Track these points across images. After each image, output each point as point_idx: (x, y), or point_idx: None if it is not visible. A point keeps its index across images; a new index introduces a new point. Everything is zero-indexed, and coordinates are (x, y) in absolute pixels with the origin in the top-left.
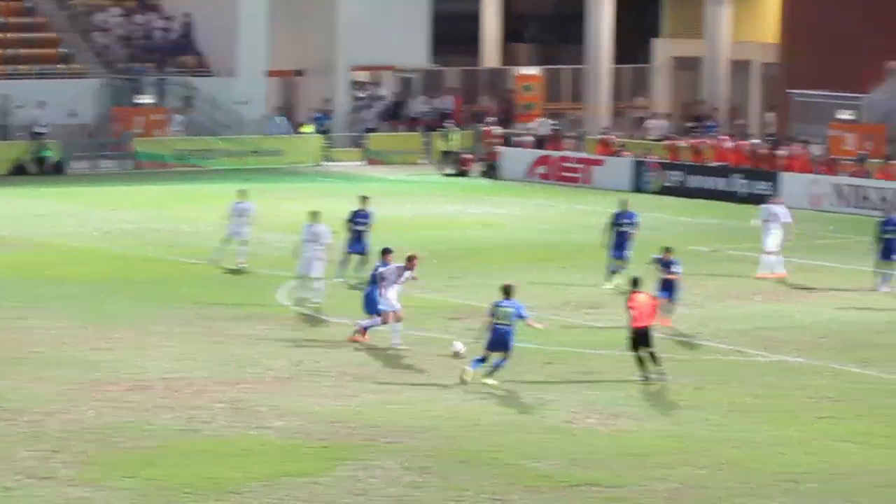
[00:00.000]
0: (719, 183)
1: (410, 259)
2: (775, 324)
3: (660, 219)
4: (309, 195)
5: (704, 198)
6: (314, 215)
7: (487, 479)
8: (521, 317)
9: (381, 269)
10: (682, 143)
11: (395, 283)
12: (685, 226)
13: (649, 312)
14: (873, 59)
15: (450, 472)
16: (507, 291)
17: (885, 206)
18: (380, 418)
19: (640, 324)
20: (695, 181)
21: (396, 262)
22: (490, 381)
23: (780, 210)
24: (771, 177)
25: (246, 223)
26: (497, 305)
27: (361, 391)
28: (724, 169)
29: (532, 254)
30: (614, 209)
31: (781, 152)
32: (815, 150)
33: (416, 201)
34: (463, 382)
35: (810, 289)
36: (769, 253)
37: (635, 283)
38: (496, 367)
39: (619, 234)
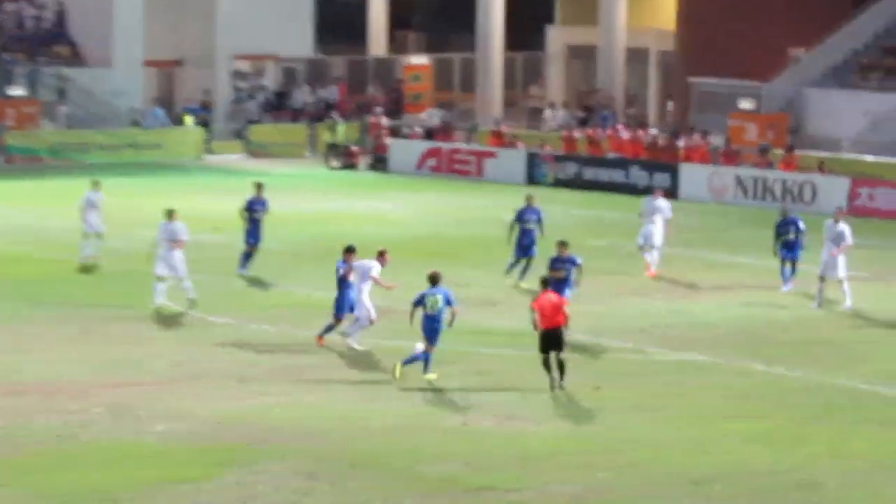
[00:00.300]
0: (617, 175)
1: (382, 254)
2: (677, 321)
3: (555, 213)
4: (189, 190)
5: (601, 190)
6: (170, 213)
7: (379, 484)
8: (449, 303)
9: (343, 269)
10: (578, 133)
11: (364, 280)
12: (582, 220)
13: (555, 312)
14: (774, 46)
15: (340, 478)
16: (433, 279)
17: (783, 204)
18: (266, 421)
19: (547, 325)
20: (591, 173)
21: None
22: (430, 375)
23: (661, 204)
24: (670, 168)
25: (99, 215)
26: (425, 295)
27: (246, 393)
28: (622, 161)
29: (424, 249)
30: (519, 205)
31: (681, 143)
32: (716, 140)
33: (302, 196)
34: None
35: (713, 285)
36: (649, 248)
37: (545, 283)
38: (417, 359)
39: (525, 232)
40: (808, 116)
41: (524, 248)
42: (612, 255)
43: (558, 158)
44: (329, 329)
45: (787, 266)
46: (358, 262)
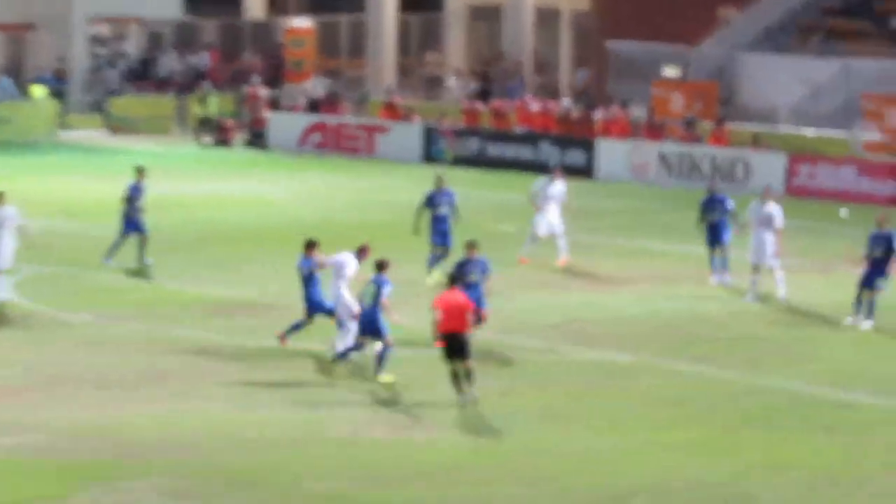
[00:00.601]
0: (525, 152)
1: (363, 250)
2: (595, 316)
3: (456, 195)
4: (41, 171)
5: (508, 169)
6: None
7: (258, 502)
8: (382, 296)
9: (307, 267)
10: (481, 105)
11: (340, 278)
12: (486, 202)
13: (458, 315)
14: (702, 6)
15: (213, 496)
16: (379, 266)
17: (711, 182)
18: (130, 433)
19: (449, 328)
20: (496, 150)
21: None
22: (385, 377)
23: (557, 189)
24: (585, 144)
25: None
26: (368, 283)
27: (107, 401)
28: (531, 136)
29: (307, 236)
30: (429, 188)
31: (597, 115)
32: (637, 112)
33: (169, 177)
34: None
35: (635, 276)
36: (540, 236)
37: (453, 279)
38: (379, 358)
39: (438, 219)
40: (740, 85)
41: (442, 237)
42: (521, 242)
43: (459, 133)
44: (296, 328)
45: (717, 254)
46: (331, 257)
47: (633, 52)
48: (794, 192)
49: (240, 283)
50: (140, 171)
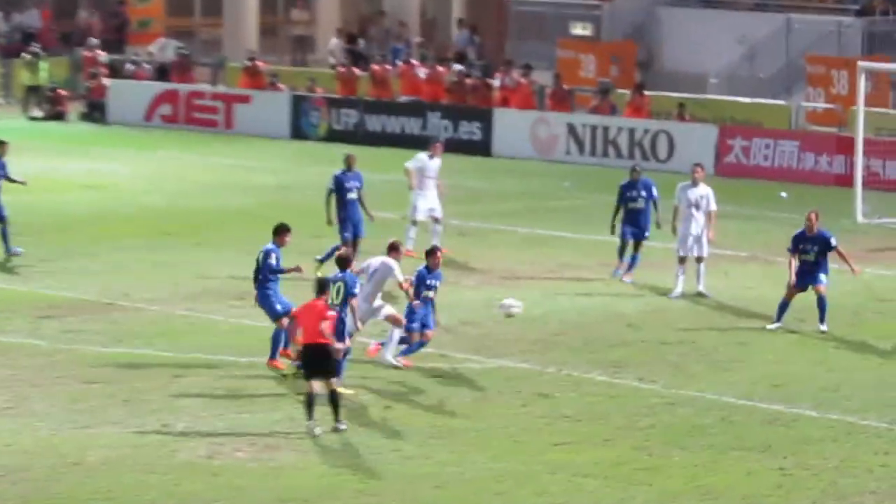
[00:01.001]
0: (411, 124)
1: (395, 247)
2: (493, 316)
3: (328, 175)
4: None
5: (390, 145)
6: None
7: None
8: (351, 294)
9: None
10: (360, 71)
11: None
12: (365, 184)
13: (314, 326)
14: None
15: None
16: (341, 262)
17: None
18: None
19: (309, 339)
20: (376, 122)
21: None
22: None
23: (435, 164)
24: (481, 115)
25: None
26: (332, 282)
27: None
28: (418, 106)
29: (156, 225)
30: (337, 170)
31: (495, 82)
32: (542, 78)
33: None
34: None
35: (538, 269)
36: (415, 222)
37: (321, 287)
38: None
39: (347, 205)
40: (662, 45)
41: (354, 227)
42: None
43: (333, 103)
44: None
45: (631, 247)
46: (367, 261)
47: (536, 8)
48: (726, 172)
49: (76, 281)
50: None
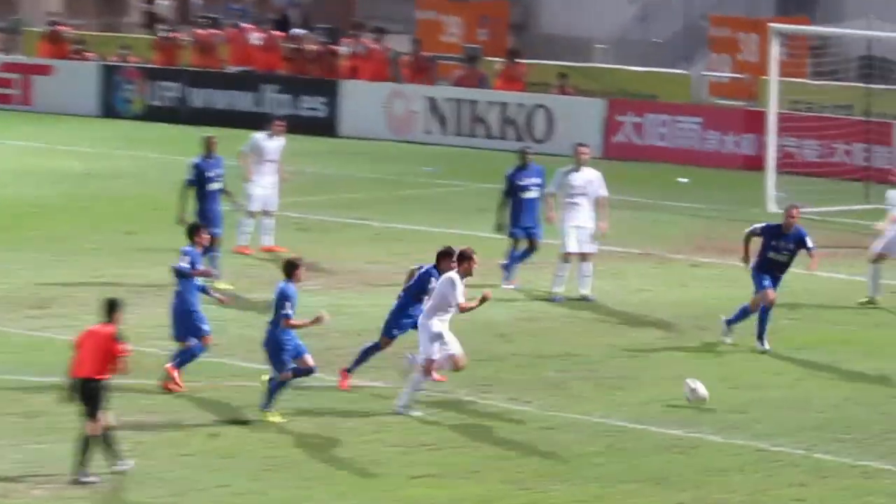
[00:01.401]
0: (242, 100)
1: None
2: (343, 326)
3: (143, 160)
4: None
5: (218, 124)
6: None
7: None
8: (284, 315)
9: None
10: (184, 36)
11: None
12: (176, 170)
13: (98, 357)
14: None
15: None
16: (288, 269)
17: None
18: None
19: (78, 372)
20: (202, 97)
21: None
22: (272, 416)
23: (274, 145)
24: (326, 88)
25: None
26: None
27: None
28: (250, 77)
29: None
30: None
31: (342, 49)
32: (397, 44)
33: None
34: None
35: (396, 270)
36: (254, 213)
37: (111, 308)
38: (270, 391)
39: (207, 197)
40: (540, 5)
41: (216, 222)
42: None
43: (150, 75)
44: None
45: (523, 246)
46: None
47: None
48: (616, 153)
49: None
50: None
